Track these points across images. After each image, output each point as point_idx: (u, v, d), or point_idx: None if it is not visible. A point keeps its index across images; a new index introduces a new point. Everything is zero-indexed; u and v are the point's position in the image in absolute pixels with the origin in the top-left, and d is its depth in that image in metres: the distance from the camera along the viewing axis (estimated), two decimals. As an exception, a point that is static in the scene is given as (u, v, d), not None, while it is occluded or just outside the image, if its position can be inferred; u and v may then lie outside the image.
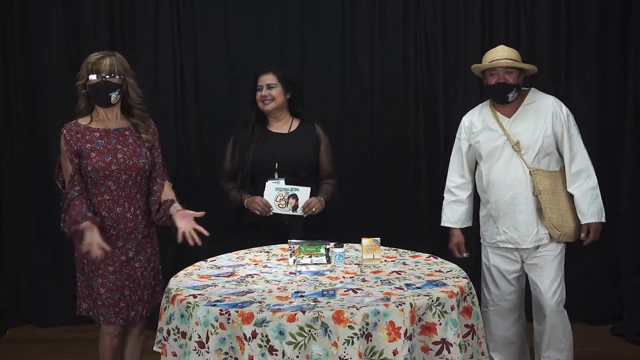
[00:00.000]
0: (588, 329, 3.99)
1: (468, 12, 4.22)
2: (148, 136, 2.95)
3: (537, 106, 3.08)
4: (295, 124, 3.40)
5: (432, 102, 4.29)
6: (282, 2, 4.28)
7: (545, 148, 3.03)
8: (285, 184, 3.24)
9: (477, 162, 3.24)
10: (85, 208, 2.75)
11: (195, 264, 2.75)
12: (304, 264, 2.70)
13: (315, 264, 2.70)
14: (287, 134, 3.36)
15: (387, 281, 2.42)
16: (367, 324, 2.06)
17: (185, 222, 2.81)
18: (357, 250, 2.88)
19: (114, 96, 2.82)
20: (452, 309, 2.23)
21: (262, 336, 2.04)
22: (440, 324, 2.20)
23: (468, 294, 2.39)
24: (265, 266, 2.70)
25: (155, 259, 3.02)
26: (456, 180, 3.28)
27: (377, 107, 4.33)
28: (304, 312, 2.06)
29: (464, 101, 4.24)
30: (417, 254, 2.85)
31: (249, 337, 2.05)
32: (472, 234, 3.38)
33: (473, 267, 4.03)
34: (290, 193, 3.23)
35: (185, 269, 2.68)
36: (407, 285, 2.36)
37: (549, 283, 3.06)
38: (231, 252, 2.96)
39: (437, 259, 2.76)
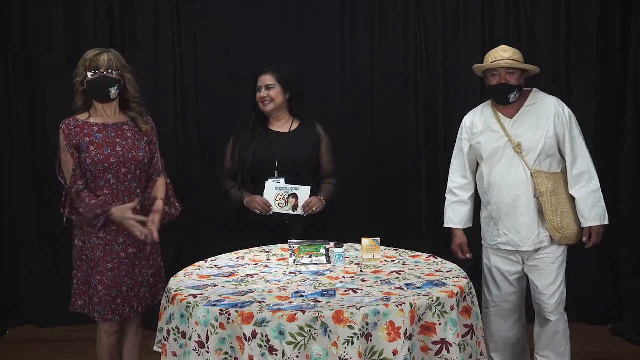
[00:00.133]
0: (588, 329, 3.99)
1: (468, 12, 4.23)
2: (147, 127, 2.98)
3: (539, 107, 3.06)
4: (296, 124, 3.40)
5: (432, 102, 4.29)
6: (282, 2, 4.28)
7: (547, 150, 3.01)
8: (286, 183, 3.24)
9: (478, 163, 3.22)
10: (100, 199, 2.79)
11: (195, 264, 2.75)
12: (304, 264, 2.70)
13: (315, 264, 2.70)
14: (288, 133, 3.36)
15: (387, 281, 2.42)
16: (367, 324, 2.06)
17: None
18: (357, 250, 2.88)
19: (113, 91, 2.85)
20: (452, 309, 2.23)
21: (262, 336, 2.04)
22: (440, 324, 2.20)
23: (468, 294, 2.39)
24: (265, 266, 2.70)
25: (155, 256, 3.02)
26: (458, 181, 3.26)
27: (377, 107, 4.33)
28: (304, 312, 2.06)
29: (464, 101, 4.24)
30: (417, 254, 2.85)
31: (249, 337, 2.05)
32: (472, 234, 3.36)
33: (473, 267, 4.03)
34: (290, 192, 3.23)
35: (185, 269, 2.68)
36: (407, 285, 2.36)
37: (549, 285, 3.04)
38: (231, 252, 2.96)
39: (437, 259, 2.76)
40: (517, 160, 3.03)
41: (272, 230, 3.20)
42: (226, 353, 2.13)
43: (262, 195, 3.23)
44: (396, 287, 2.33)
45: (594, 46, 4.11)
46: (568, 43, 4.15)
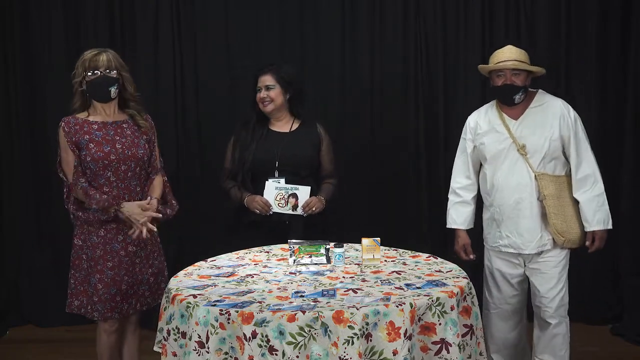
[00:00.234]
0: (588, 329, 3.99)
1: (468, 12, 4.23)
2: (146, 124, 2.99)
3: (544, 109, 3.03)
4: (297, 124, 3.40)
5: (432, 102, 4.29)
6: (282, 2, 4.28)
7: (552, 152, 2.98)
8: (286, 183, 3.24)
9: (481, 164, 3.19)
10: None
11: (195, 264, 2.75)
12: (304, 264, 2.70)
13: (315, 264, 2.70)
14: (288, 133, 3.36)
15: (387, 281, 2.42)
16: (367, 324, 2.06)
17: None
18: (357, 250, 2.88)
19: (113, 90, 2.86)
20: (452, 309, 2.23)
21: (262, 336, 2.04)
22: (440, 324, 2.20)
23: (468, 294, 2.39)
24: (265, 266, 2.70)
25: (156, 256, 3.03)
26: (461, 181, 3.23)
27: (377, 107, 4.33)
28: (304, 312, 2.06)
29: (464, 101, 4.25)
30: (417, 254, 2.85)
31: (249, 337, 2.05)
32: (473, 235, 3.34)
33: (473, 267, 4.03)
34: (290, 192, 3.23)
35: (185, 269, 2.68)
36: (407, 285, 2.36)
37: (550, 289, 3.02)
38: (231, 252, 2.96)
39: (437, 259, 2.76)
40: (521, 162, 3.00)
41: (272, 230, 3.20)
42: (226, 353, 2.13)
43: (262, 195, 3.23)
44: (396, 287, 2.33)
45: (594, 46, 4.11)
46: (568, 43, 4.15)
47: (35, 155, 4.34)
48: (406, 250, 2.90)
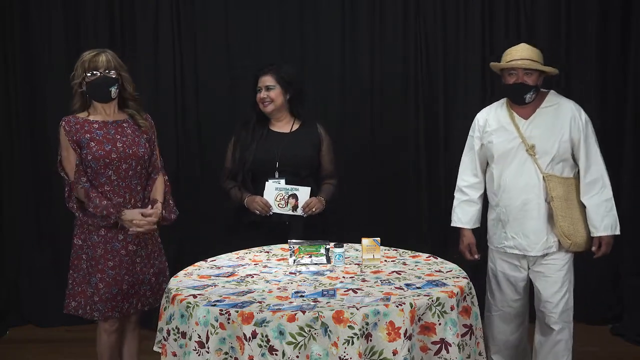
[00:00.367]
0: (588, 329, 3.99)
1: (468, 12, 4.22)
2: (146, 123, 3.00)
3: (555, 110, 2.98)
4: (297, 124, 3.40)
5: (432, 102, 4.29)
6: (282, 2, 4.28)
7: (561, 154, 2.94)
8: (286, 183, 3.24)
9: (487, 163, 3.14)
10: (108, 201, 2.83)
11: (195, 264, 2.75)
12: (304, 264, 2.70)
13: (315, 264, 2.70)
14: (289, 133, 3.36)
15: (387, 281, 2.42)
16: (367, 324, 2.06)
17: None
18: (357, 250, 2.88)
19: (113, 90, 2.87)
20: (452, 309, 2.23)
21: (262, 336, 2.04)
22: (440, 324, 2.20)
23: (468, 294, 2.39)
24: (265, 266, 2.70)
25: (156, 255, 3.03)
26: (469, 180, 3.17)
27: (377, 107, 4.33)
28: (304, 312, 2.06)
29: (464, 101, 4.25)
30: (417, 254, 2.85)
31: (249, 337, 2.05)
32: (477, 235, 3.30)
33: (473, 267, 4.03)
34: (290, 193, 3.23)
35: (185, 269, 2.68)
36: (407, 285, 2.36)
37: (554, 293, 2.98)
38: (231, 252, 2.96)
39: (437, 259, 2.76)
40: (530, 163, 2.96)
41: (272, 230, 3.20)
42: (226, 353, 2.13)
43: (262, 195, 3.23)
44: (396, 287, 2.33)
45: (594, 46, 4.11)
46: (568, 43, 4.15)
47: (35, 155, 4.34)
48: (406, 250, 2.90)
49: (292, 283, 2.44)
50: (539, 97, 2.99)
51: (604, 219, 2.94)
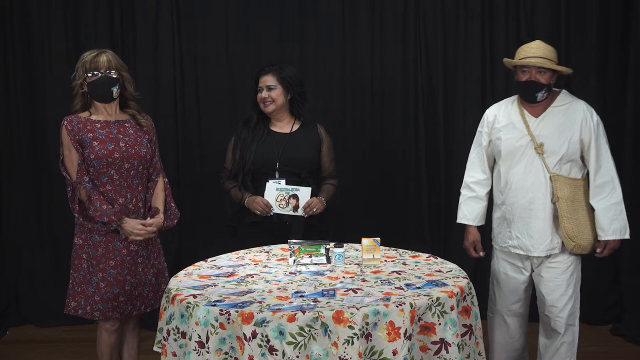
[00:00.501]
0: (588, 329, 3.99)
1: (468, 12, 4.23)
2: (148, 123, 3.02)
3: (566, 110, 2.93)
4: (297, 124, 3.40)
5: (432, 102, 4.29)
6: (282, 2, 4.28)
7: (570, 154, 2.90)
8: (286, 184, 3.24)
9: (495, 160, 3.10)
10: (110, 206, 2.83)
11: (195, 264, 2.75)
12: (304, 264, 2.70)
13: (315, 264, 2.70)
14: (289, 133, 3.36)
15: (387, 281, 2.42)
16: (367, 323, 2.06)
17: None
18: (357, 250, 2.88)
19: (115, 90, 2.87)
20: (452, 309, 2.23)
21: (262, 336, 2.04)
22: (440, 324, 2.20)
23: (468, 294, 2.39)
24: (265, 266, 2.70)
25: (156, 256, 3.03)
26: (476, 176, 3.12)
27: (377, 107, 4.33)
28: (304, 312, 2.06)
29: (463, 101, 4.26)
30: (417, 254, 2.85)
31: (249, 337, 2.05)
32: (482, 234, 3.26)
33: (473, 267, 4.05)
34: (291, 193, 3.23)
35: (185, 269, 2.68)
36: (407, 285, 2.36)
37: (560, 297, 2.94)
38: (231, 252, 2.96)
39: (437, 259, 2.76)
40: (537, 162, 2.92)
41: (273, 230, 3.20)
42: (226, 353, 2.13)
43: (263, 195, 3.23)
44: (396, 287, 2.33)
45: (594, 48, 4.11)
46: (568, 44, 4.15)
47: (36, 155, 4.34)
48: (406, 250, 2.90)
49: (292, 283, 2.44)
50: (550, 96, 2.95)
51: (613, 223, 2.90)
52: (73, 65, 2.91)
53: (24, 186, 4.36)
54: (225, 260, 2.81)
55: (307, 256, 2.72)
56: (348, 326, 2.03)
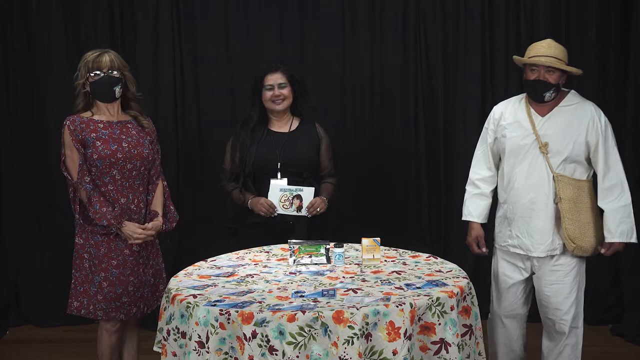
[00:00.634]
0: (588, 329, 3.95)
1: (468, 12, 4.23)
2: (149, 124, 3.03)
3: (574, 110, 2.90)
4: (296, 123, 3.40)
5: (432, 102, 4.29)
6: (282, 2, 4.28)
7: (575, 155, 2.86)
8: (288, 184, 3.24)
9: (500, 158, 3.08)
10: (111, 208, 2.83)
11: (195, 264, 2.75)
12: (304, 264, 2.70)
13: (315, 264, 2.70)
14: (289, 133, 3.36)
15: (387, 281, 2.42)
16: (367, 323, 2.06)
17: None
18: (357, 250, 2.88)
19: (117, 90, 2.88)
20: (452, 309, 2.23)
21: (262, 336, 2.04)
22: (440, 324, 2.20)
23: (468, 294, 2.39)
24: (265, 266, 2.70)
25: (154, 256, 3.03)
26: (481, 173, 3.10)
27: (377, 107, 4.33)
28: (304, 312, 2.06)
29: (463, 101, 4.25)
30: (417, 254, 2.85)
31: (249, 337, 2.05)
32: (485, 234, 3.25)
33: (473, 267, 4.05)
34: (294, 194, 3.23)
35: (185, 269, 2.68)
36: (407, 285, 2.36)
37: (564, 299, 2.92)
38: (231, 252, 2.96)
39: (437, 259, 2.76)
40: (541, 161, 2.89)
41: (276, 231, 3.19)
42: (226, 353, 2.13)
43: (266, 196, 3.22)
44: (396, 287, 2.33)
45: (594, 49, 4.11)
46: (568, 45, 4.12)
47: (36, 155, 4.33)
48: (406, 250, 2.90)
49: (292, 283, 2.44)
50: (559, 96, 2.92)
51: (620, 225, 2.86)
52: (73, 65, 2.91)
53: (24, 186, 4.36)
54: (225, 260, 2.81)
55: (307, 256, 2.72)
56: (348, 326, 2.03)
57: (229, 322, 2.10)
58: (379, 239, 2.69)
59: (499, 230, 3.09)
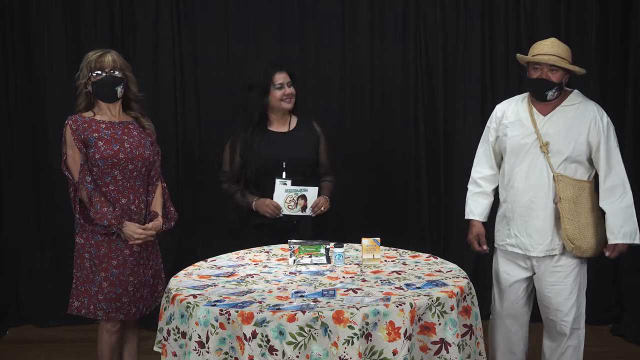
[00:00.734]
0: (588, 329, 3.95)
1: (468, 12, 4.23)
2: (150, 125, 3.03)
3: (576, 110, 2.88)
4: (294, 122, 3.39)
5: (432, 102, 4.29)
6: (282, 2, 4.28)
7: (576, 155, 2.84)
8: (292, 184, 3.23)
9: (502, 157, 3.07)
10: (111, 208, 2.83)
11: (195, 264, 2.75)
12: (304, 264, 2.70)
13: (315, 264, 2.70)
14: (289, 132, 3.35)
15: (387, 281, 2.42)
16: (367, 323, 2.06)
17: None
18: (357, 250, 2.88)
19: (119, 90, 2.89)
20: (452, 309, 2.23)
21: (262, 336, 2.04)
22: (440, 324, 2.20)
23: (468, 294, 2.39)
24: (265, 266, 2.70)
25: (153, 257, 3.04)
26: (483, 171, 3.10)
27: (377, 107, 4.33)
28: (304, 312, 2.06)
29: (463, 101, 4.25)
30: (417, 254, 2.85)
31: (249, 337, 2.05)
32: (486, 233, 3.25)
33: (473, 267, 4.05)
34: (299, 194, 3.23)
35: (185, 269, 2.68)
36: (407, 285, 2.36)
37: (565, 300, 2.91)
38: (231, 252, 2.96)
39: (437, 259, 2.76)
40: (542, 161, 2.87)
41: (282, 231, 3.15)
42: (226, 353, 2.13)
43: (269, 197, 3.21)
44: (396, 287, 2.33)
45: (594, 49, 4.11)
46: (568, 45, 4.13)
47: (36, 155, 4.33)
48: (406, 250, 2.90)
49: (292, 283, 2.44)
50: (561, 95, 2.91)
51: (623, 226, 2.84)
52: (73, 65, 2.92)
53: (24, 186, 4.36)
54: (225, 260, 2.81)
55: (307, 256, 2.72)
56: (348, 326, 2.03)
57: (229, 322, 2.10)
58: (379, 239, 2.69)
59: (498, 229, 3.09)
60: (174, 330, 2.29)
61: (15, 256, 4.41)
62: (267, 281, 2.47)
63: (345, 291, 2.31)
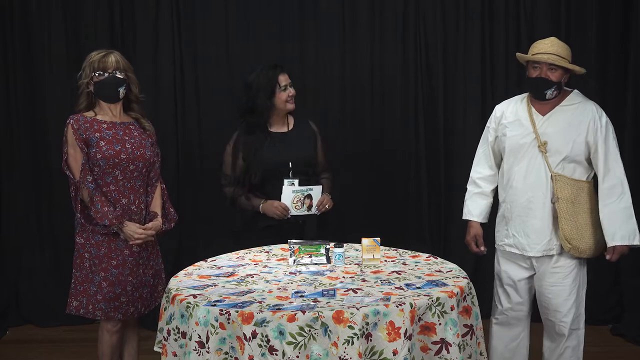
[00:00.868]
0: (588, 329, 3.94)
1: (468, 12, 4.23)
2: (150, 126, 3.04)
3: (575, 109, 2.87)
4: (291, 122, 3.39)
5: (432, 102, 4.29)
6: (282, 2, 4.28)
7: (574, 155, 2.83)
8: (299, 184, 3.23)
9: (501, 157, 3.07)
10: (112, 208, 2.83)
11: (195, 264, 2.75)
12: (304, 264, 2.70)
13: (315, 264, 2.70)
14: (288, 133, 3.34)
15: (387, 281, 2.42)
16: (367, 323, 2.06)
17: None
18: (357, 250, 2.88)
19: (121, 91, 2.89)
20: (452, 309, 2.23)
21: (262, 336, 2.04)
22: (440, 324, 2.20)
23: (468, 294, 2.39)
24: (265, 266, 2.70)
25: (154, 257, 3.03)
26: (482, 172, 3.10)
27: (377, 107, 4.33)
28: (304, 312, 2.06)
29: (463, 101, 4.25)
30: (417, 254, 2.85)
31: (249, 337, 2.05)
32: (485, 233, 3.24)
33: (473, 267, 4.05)
34: (305, 194, 3.23)
35: (185, 269, 2.68)
36: (407, 285, 2.36)
37: (564, 301, 2.90)
38: (231, 252, 2.96)
39: (437, 259, 2.76)
40: (540, 160, 2.86)
41: (289, 232, 3.12)
42: (226, 353, 2.13)
43: (275, 198, 3.20)
44: (396, 287, 2.33)
45: (594, 49, 4.11)
46: (568, 45, 4.13)
47: (36, 155, 4.34)
48: (406, 250, 2.90)
49: (292, 283, 2.44)
50: (560, 95, 2.90)
51: (622, 228, 2.82)
52: (73, 65, 2.92)
53: (24, 186, 4.36)
54: (225, 260, 2.81)
55: (307, 256, 2.72)
56: (348, 326, 2.03)
57: (229, 322, 2.10)
58: (379, 239, 2.69)
59: (497, 229, 3.09)
60: (174, 330, 2.29)
61: (15, 256, 4.41)
62: (267, 281, 2.47)
63: (345, 291, 2.31)
